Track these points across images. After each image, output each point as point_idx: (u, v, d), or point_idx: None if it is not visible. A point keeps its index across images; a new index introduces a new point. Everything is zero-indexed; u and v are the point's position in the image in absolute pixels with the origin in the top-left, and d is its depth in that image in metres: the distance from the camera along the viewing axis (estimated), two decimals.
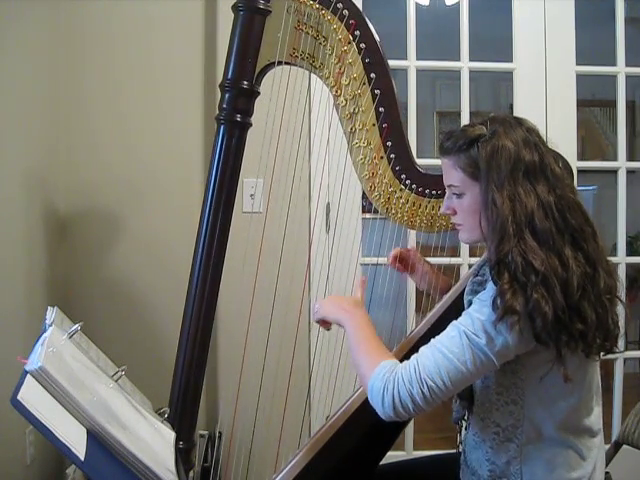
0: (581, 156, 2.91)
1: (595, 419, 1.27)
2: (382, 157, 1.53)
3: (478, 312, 1.16)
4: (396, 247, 1.67)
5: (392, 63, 1.53)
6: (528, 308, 1.11)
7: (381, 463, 1.52)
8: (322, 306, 1.39)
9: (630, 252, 2.84)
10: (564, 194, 1.20)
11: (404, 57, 2.46)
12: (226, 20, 1.55)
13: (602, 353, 1.21)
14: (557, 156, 1.37)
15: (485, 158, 1.20)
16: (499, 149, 1.19)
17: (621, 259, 2.56)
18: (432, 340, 1.20)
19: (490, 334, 1.13)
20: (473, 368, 1.14)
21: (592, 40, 2.72)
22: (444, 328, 1.20)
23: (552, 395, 1.21)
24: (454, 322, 1.19)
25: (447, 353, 1.14)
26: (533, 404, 1.22)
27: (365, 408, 1.25)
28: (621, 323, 1.25)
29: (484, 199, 1.20)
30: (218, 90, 1.53)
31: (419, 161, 1.58)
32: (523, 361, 1.20)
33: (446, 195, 1.32)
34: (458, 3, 2.54)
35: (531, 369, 1.21)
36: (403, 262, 1.66)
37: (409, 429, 2.51)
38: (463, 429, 1.42)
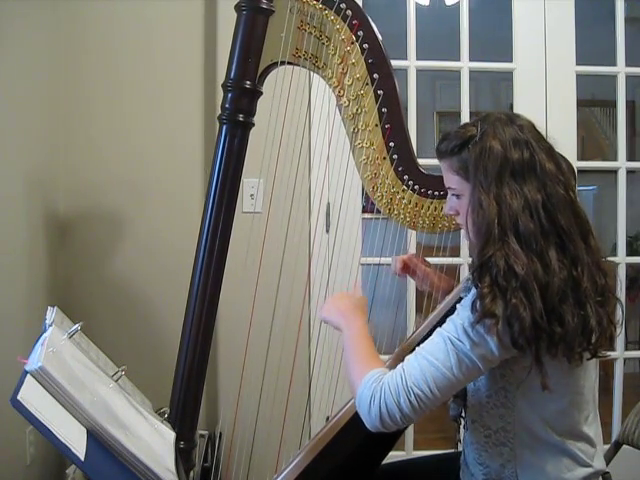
0: (581, 156, 2.89)
1: (594, 430, 1.26)
2: (385, 158, 1.53)
3: (460, 317, 1.15)
4: (397, 252, 1.66)
5: (392, 63, 1.53)
6: (506, 313, 1.09)
7: (381, 463, 1.52)
8: (325, 307, 1.39)
9: (630, 252, 2.83)
10: (554, 192, 1.17)
11: (404, 57, 2.46)
12: (226, 20, 1.56)
13: (588, 357, 1.18)
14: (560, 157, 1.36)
15: (473, 160, 1.20)
16: (486, 151, 1.18)
17: (621, 259, 2.56)
18: (417, 348, 1.19)
19: (473, 338, 1.12)
20: (459, 374, 1.13)
21: (592, 40, 2.71)
22: None
23: (541, 398, 1.19)
24: (438, 329, 1.18)
25: (432, 360, 1.14)
26: (523, 407, 1.21)
27: None
28: (619, 323, 1.23)
29: (471, 201, 1.20)
30: (219, 90, 1.53)
31: (419, 161, 1.58)
32: (511, 365, 1.19)
33: (448, 196, 1.32)
34: (458, 3, 2.54)
35: (519, 374, 1.19)
36: (405, 267, 1.65)
37: (409, 429, 2.51)
38: (462, 427, 1.41)
